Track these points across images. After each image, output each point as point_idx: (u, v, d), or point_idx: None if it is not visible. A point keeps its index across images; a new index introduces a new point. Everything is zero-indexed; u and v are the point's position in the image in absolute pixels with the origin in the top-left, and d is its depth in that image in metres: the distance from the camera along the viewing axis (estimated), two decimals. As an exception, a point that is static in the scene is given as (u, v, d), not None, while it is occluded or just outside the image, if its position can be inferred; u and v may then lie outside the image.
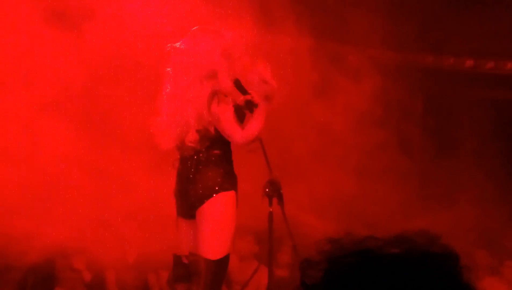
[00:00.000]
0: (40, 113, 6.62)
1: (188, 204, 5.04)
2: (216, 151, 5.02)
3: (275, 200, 5.11)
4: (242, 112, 5.05)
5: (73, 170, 6.64)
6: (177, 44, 5.07)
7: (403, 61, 9.00)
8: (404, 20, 8.41)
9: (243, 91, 5.06)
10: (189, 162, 5.04)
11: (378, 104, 8.03)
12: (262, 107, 4.94)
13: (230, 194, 5.01)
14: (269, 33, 6.78)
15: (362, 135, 7.89)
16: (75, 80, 6.67)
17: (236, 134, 4.93)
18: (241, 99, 5.04)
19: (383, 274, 1.27)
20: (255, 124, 4.94)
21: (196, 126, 4.96)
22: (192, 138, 4.99)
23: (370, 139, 8.05)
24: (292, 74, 6.96)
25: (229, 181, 5.03)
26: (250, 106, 5.02)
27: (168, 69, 5.08)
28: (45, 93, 6.61)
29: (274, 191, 5.10)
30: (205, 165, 5.01)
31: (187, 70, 4.99)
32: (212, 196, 4.97)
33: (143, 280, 8.10)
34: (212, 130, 4.99)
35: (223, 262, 5.02)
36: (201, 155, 5.01)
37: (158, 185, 5.79)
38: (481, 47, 9.33)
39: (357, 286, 1.27)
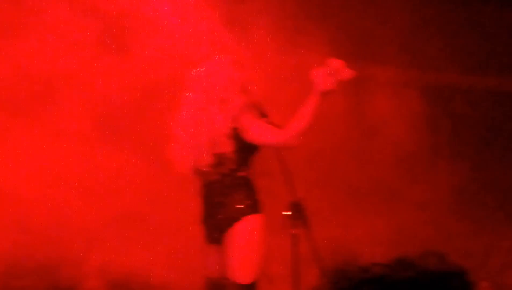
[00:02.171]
0: (94, 130, 6.80)
1: (217, 229, 5.04)
2: (242, 174, 5.04)
3: (299, 223, 5.09)
4: None
5: (142, 200, 6.75)
6: (199, 70, 5.13)
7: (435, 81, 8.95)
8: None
9: (262, 115, 5.06)
10: (215, 187, 5.05)
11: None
12: (313, 99, 4.72)
13: (259, 217, 5.02)
14: (295, 56, 6.81)
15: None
16: (117, 97, 6.85)
17: (275, 133, 4.83)
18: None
19: None
20: (300, 117, 4.73)
21: (209, 149, 4.98)
22: (206, 161, 5.01)
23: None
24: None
25: (257, 204, 5.04)
26: None
27: (188, 94, 5.14)
28: (94, 110, 6.79)
29: (297, 213, 5.09)
30: (232, 188, 5.01)
31: (203, 95, 5.04)
32: (240, 219, 4.97)
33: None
34: (232, 153, 4.98)
35: (252, 287, 5.00)
36: (226, 178, 5.01)
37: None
38: None
39: None
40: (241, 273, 4.95)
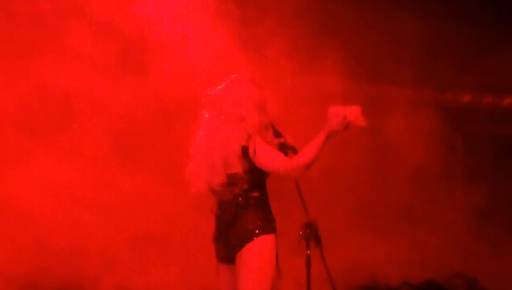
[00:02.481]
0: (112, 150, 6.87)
1: (228, 248, 5.05)
2: (255, 194, 5.05)
3: (312, 243, 5.10)
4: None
5: (159, 220, 6.79)
6: (213, 90, 5.17)
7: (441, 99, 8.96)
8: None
9: (278, 134, 5.09)
10: (228, 206, 5.06)
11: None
12: (322, 136, 4.80)
13: (271, 237, 5.02)
14: (310, 76, 6.84)
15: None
16: (135, 118, 6.92)
17: (281, 162, 4.88)
18: (275, 142, 5.08)
19: None
20: (307, 151, 4.82)
21: (222, 169, 4.99)
22: (219, 181, 5.03)
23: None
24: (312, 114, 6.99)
25: (269, 224, 5.04)
26: (285, 148, 5.04)
27: (204, 113, 5.17)
28: (113, 130, 6.86)
29: (311, 233, 5.09)
30: (245, 208, 5.02)
31: (219, 114, 5.06)
32: (252, 239, 4.97)
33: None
34: (245, 173, 5.00)
35: None
36: (240, 199, 5.02)
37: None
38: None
39: None
40: None
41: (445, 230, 8.74)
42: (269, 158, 4.92)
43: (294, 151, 5.08)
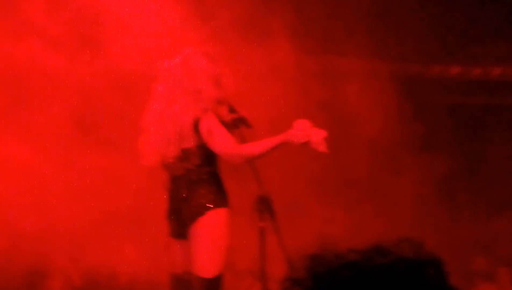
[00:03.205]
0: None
1: (181, 223, 5.03)
2: (207, 169, 5.01)
3: (266, 216, 5.10)
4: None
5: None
6: (168, 63, 5.11)
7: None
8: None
9: (232, 110, 5.07)
10: (180, 182, 5.02)
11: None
12: (277, 139, 4.83)
13: (223, 211, 5.01)
14: (262, 50, 6.81)
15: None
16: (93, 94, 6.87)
17: (229, 146, 4.89)
18: (229, 117, 5.04)
19: (369, 287, 1.24)
20: (257, 146, 4.87)
21: (176, 142, 4.96)
22: (172, 154, 4.98)
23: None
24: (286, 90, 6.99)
25: (221, 198, 5.03)
26: (238, 124, 5.01)
27: (157, 86, 5.11)
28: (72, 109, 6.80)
29: (264, 206, 5.10)
30: (197, 183, 4.99)
31: (174, 88, 5.01)
32: (204, 213, 4.96)
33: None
34: (197, 148, 4.97)
35: (217, 281, 5.00)
36: (192, 173, 4.99)
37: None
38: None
39: None
40: (205, 267, 4.95)
41: (407, 201, 8.79)
42: (219, 139, 4.90)
43: (248, 125, 5.06)
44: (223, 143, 4.90)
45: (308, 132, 4.76)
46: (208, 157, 5.00)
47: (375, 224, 7.98)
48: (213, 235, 4.96)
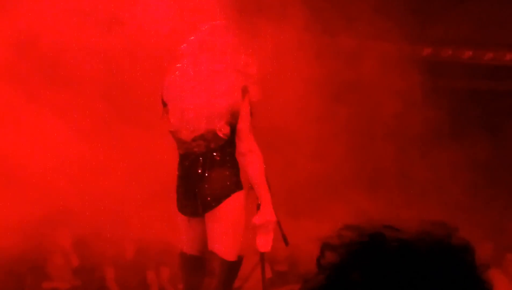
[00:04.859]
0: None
1: (200, 203, 4.90)
2: (229, 150, 4.92)
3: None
4: None
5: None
6: (200, 38, 4.90)
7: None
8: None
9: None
10: (200, 159, 4.88)
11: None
12: (267, 194, 4.94)
13: (243, 193, 4.98)
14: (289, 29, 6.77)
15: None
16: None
17: (251, 137, 4.89)
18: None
19: (398, 262, 1.25)
20: (261, 176, 4.93)
21: (224, 118, 4.82)
22: (198, 132, 4.85)
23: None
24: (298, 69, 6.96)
25: (240, 180, 4.98)
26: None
27: (183, 63, 4.92)
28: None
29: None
30: (221, 164, 4.89)
31: (220, 59, 4.84)
32: (230, 195, 4.89)
33: (142, 277, 8.19)
34: (228, 125, 4.86)
35: (238, 263, 4.99)
36: (215, 153, 4.88)
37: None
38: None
39: (372, 271, 1.26)
40: (228, 250, 4.90)
41: (435, 187, 8.75)
42: (249, 128, 4.89)
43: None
44: (248, 132, 4.88)
45: (270, 233, 4.92)
46: (233, 137, 4.91)
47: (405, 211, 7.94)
48: (236, 218, 4.91)
